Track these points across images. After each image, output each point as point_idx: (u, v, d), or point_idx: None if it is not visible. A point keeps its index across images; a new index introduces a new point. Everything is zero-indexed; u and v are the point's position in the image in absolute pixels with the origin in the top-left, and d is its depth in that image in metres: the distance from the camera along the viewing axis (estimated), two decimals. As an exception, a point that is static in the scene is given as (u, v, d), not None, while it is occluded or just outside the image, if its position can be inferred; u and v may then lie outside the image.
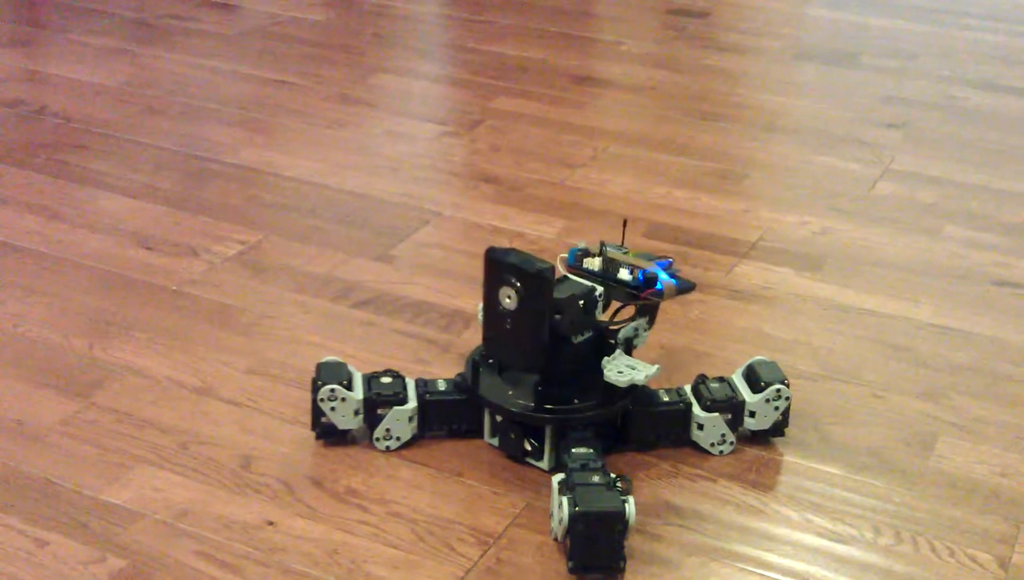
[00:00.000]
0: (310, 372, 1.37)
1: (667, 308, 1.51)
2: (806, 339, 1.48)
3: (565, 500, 1.09)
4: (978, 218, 1.82)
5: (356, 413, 1.24)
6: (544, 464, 1.23)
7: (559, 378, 1.22)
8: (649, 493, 1.21)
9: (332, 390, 1.23)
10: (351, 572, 1.10)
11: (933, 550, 1.15)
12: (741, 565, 1.13)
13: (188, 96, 2.19)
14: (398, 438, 1.25)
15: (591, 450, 1.17)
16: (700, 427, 1.26)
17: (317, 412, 1.24)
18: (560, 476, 1.13)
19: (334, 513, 1.17)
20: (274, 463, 1.24)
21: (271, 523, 1.15)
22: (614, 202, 1.83)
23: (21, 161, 1.91)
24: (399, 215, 1.77)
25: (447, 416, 1.27)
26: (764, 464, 1.26)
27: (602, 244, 1.25)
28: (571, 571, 1.10)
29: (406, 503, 1.19)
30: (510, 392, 1.23)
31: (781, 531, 1.17)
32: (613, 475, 1.12)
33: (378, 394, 1.24)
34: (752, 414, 1.26)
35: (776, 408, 1.26)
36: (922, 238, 1.75)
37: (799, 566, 1.13)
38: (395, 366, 1.37)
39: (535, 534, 1.15)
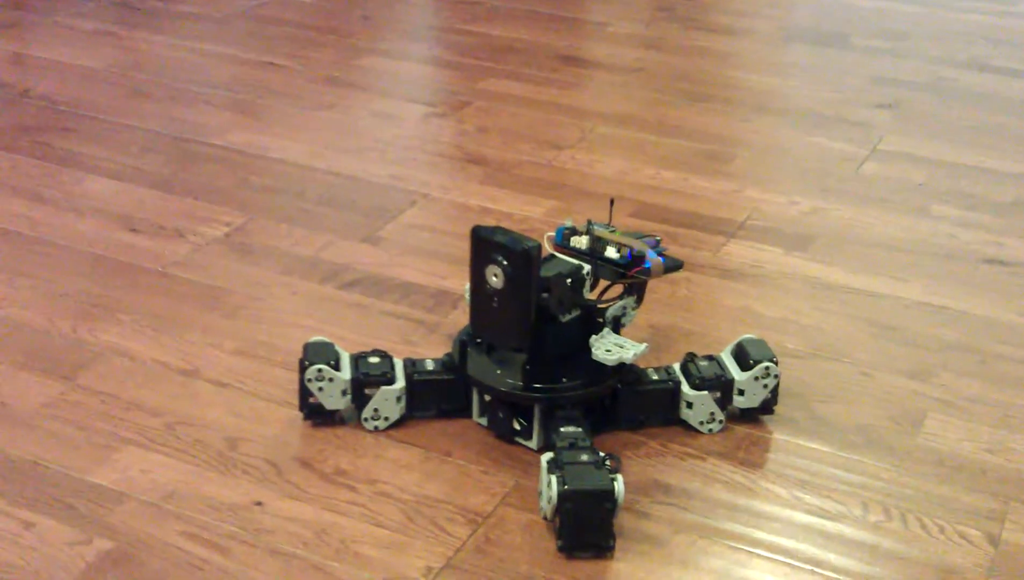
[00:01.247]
0: (297, 353, 1.36)
1: (655, 287, 1.50)
2: (795, 318, 1.48)
3: (554, 479, 1.09)
4: (968, 197, 1.82)
5: (344, 393, 1.24)
6: (533, 443, 1.23)
7: (547, 357, 1.21)
8: (638, 471, 1.21)
9: (319, 370, 1.22)
10: (340, 552, 1.10)
11: (923, 527, 1.15)
12: (730, 543, 1.13)
13: (175, 78, 2.18)
14: (386, 418, 1.25)
15: (579, 429, 1.16)
16: (689, 406, 1.25)
17: (304, 392, 1.24)
18: (549, 455, 1.13)
19: (322, 493, 1.17)
20: (261, 444, 1.23)
21: (259, 504, 1.15)
22: (602, 183, 1.83)
23: (6, 144, 1.89)
24: (387, 196, 1.76)
25: (435, 396, 1.26)
26: (753, 442, 1.26)
27: (589, 223, 1.25)
28: (560, 550, 1.10)
29: (395, 483, 1.18)
30: (498, 371, 1.22)
31: (770, 509, 1.17)
32: (602, 454, 1.12)
33: (366, 374, 1.24)
34: (741, 392, 1.25)
35: (765, 386, 1.26)
36: (912, 217, 1.75)
37: (788, 543, 1.13)
38: (383, 347, 1.37)
39: (524, 513, 1.15)
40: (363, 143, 1.93)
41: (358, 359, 1.26)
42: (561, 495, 1.08)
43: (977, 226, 1.73)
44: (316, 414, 1.26)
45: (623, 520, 1.14)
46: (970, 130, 2.07)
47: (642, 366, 1.27)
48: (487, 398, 1.24)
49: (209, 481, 1.18)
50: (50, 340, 1.39)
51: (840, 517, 1.16)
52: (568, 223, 1.26)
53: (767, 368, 1.25)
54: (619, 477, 1.09)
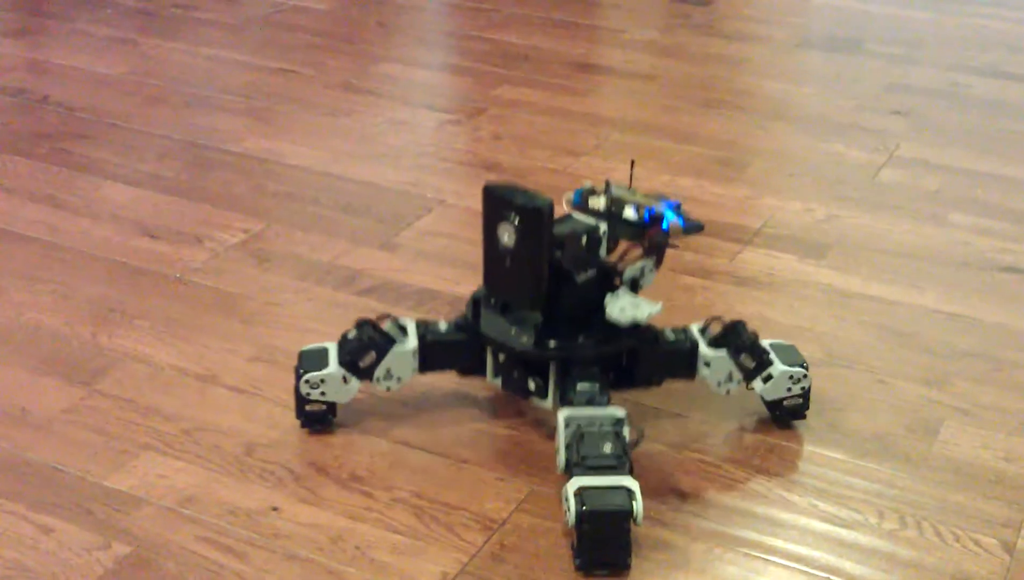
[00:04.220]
0: (314, 359, 1.37)
1: (672, 295, 1.51)
2: (810, 326, 1.48)
3: (572, 498, 1.07)
4: (983, 205, 1.82)
5: (344, 381, 1.23)
6: (548, 403, 1.21)
7: (563, 316, 1.19)
8: (654, 479, 1.21)
9: (308, 381, 1.22)
10: (355, 558, 1.10)
11: (938, 535, 1.15)
12: (746, 550, 1.13)
13: (192, 85, 2.19)
14: (399, 378, 1.24)
15: (596, 384, 1.15)
16: (707, 365, 1.24)
17: (301, 400, 1.24)
18: (566, 411, 1.12)
19: (338, 499, 1.17)
20: (278, 450, 1.24)
21: (275, 509, 1.15)
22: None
23: (25, 150, 1.91)
24: (402, 203, 1.76)
25: (448, 357, 1.25)
26: (769, 450, 1.26)
27: (607, 183, 1.23)
28: (578, 568, 1.09)
29: (410, 489, 1.19)
30: (513, 330, 1.20)
31: (786, 516, 1.17)
32: (625, 434, 1.10)
33: (359, 341, 1.22)
34: (770, 378, 1.25)
35: (788, 390, 1.25)
36: (927, 225, 1.75)
37: (804, 551, 1.13)
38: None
39: (539, 520, 1.15)
40: (379, 150, 1.94)
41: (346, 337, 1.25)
42: (579, 516, 1.07)
43: (993, 234, 1.73)
44: (313, 422, 1.25)
45: (639, 528, 1.14)
46: (986, 137, 2.06)
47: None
48: (501, 358, 1.22)
49: (226, 486, 1.18)
50: (69, 345, 1.40)
51: (856, 525, 1.17)
52: (587, 185, 1.23)
53: (791, 376, 1.25)
54: (637, 496, 1.07)
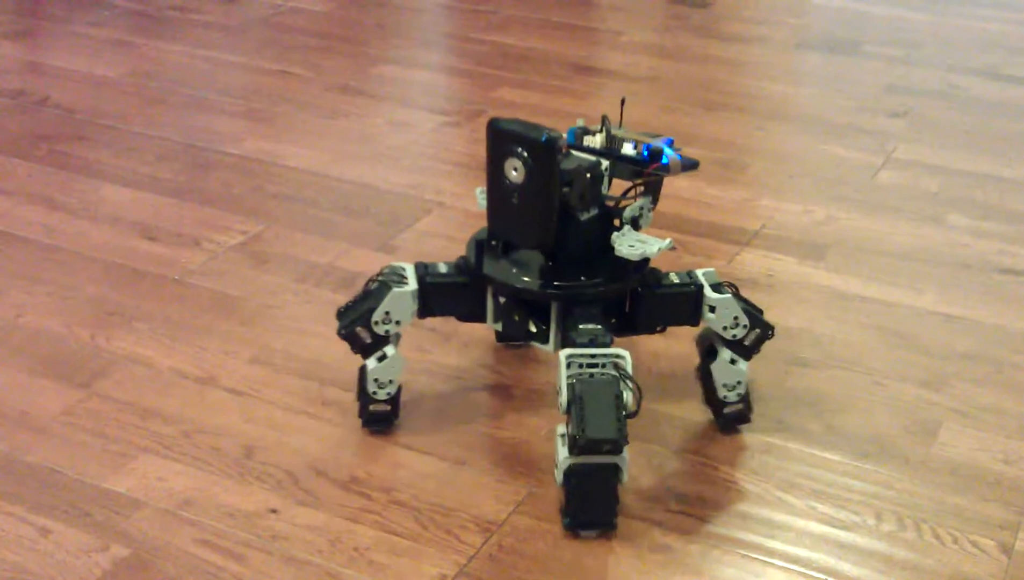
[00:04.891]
0: (312, 361, 1.37)
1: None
2: (808, 327, 1.48)
3: (563, 471, 1.09)
4: (982, 206, 1.82)
5: (380, 360, 1.23)
6: (549, 346, 1.19)
7: (566, 256, 1.17)
8: (651, 480, 1.21)
9: (369, 388, 1.23)
10: (353, 560, 1.10)
11: (936, 536, 1.15)
12: (744, 552, 1.13)
13: (190, 87, 2.19)
14: (398, 322, 1.21)
15: (599, 325, 1.14)
16: (712, 310, 1.22)
17: (366, 401, 1.24)
18: (568, 350, 1.10)
19: (337, 501, 1.17)
20: (277, 452, 1.24)
21: (274, 511, 1.15)
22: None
23: (23, 152, 1.91)
24: (401, 205, 1.76)
25: (449, 300, 1.23)
26: (766, 451, 1.26)
27: (604, 119, 1.20)
28: (566, 528, 1.11)
29: (409, 491, 1.19)
30: (514, 270, 1.18)
31: (784, 518, 1.17)
32: (627, 393, 1.09)
33: (343, 335, 1.22)
34: (735, 362, 1.24)
35: (726, 386, 1.24)
36: (926, 226, 1.75)
37: (802, 553, 1.13)
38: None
39: (538, 522, 1.15)
40: (377, 151, 1.94)
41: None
42: (567, 471, 1.08)
43: (992, 235, 1.73)
44: (374, 422, 1.25)
45: (636, 529, 1.14)
46: (985, 139, 2.06)
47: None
48: (502, 301, 1.21)
49: (225, 489, 1.18)
50: (67, 347, 1.40)
51: (854, 527, 1.17)
52: (580, 123, 1.22)
53: (740, 381, 1.24)
54: (624, 456, 1.08)
